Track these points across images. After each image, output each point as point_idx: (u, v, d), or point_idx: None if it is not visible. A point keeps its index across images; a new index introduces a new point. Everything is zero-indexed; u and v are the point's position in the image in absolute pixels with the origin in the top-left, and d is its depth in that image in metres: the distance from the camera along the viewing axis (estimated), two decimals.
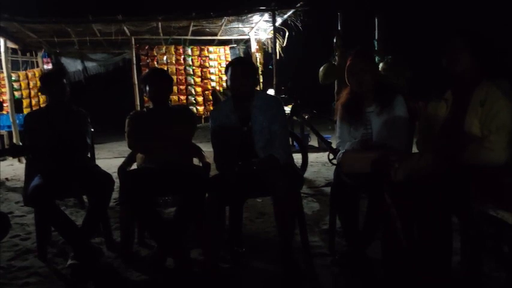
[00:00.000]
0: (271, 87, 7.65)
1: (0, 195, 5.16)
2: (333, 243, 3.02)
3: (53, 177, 2.97)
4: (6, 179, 6.30)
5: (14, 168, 7.20)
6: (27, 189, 2.95)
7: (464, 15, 13.47)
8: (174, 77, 9.24)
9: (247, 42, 9.87)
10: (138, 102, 8.63)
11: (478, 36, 2.29)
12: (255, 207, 4.14)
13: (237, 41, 9.97)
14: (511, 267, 2.50)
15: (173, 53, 9.47)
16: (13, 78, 8.63)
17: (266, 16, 7.89)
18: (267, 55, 9.20)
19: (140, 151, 3.21)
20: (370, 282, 2.55)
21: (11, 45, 8.41)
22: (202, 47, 9.70)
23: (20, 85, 9.11)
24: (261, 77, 8.77)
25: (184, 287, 2.62)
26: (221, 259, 2.84)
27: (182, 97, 9.60)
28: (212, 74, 9.79)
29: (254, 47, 9.31)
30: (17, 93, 8.93)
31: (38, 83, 3.30)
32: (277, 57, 7.83)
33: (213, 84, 9.79)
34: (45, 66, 9.19)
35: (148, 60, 9.38)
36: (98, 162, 3.73)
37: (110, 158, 7.90)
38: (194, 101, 9.66)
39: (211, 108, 9.35)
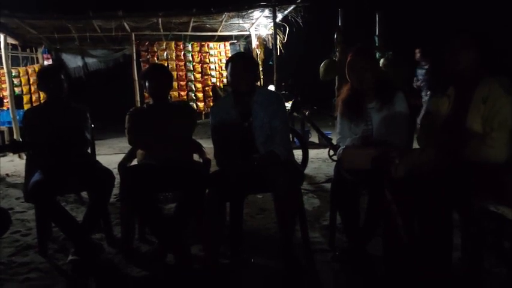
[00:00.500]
0: (272, 83, 7.64)
1: (0, 191, 5.17)
2: (334, 240, 3.03)
3: (54, 173, 2.97)
4: (7, 174, 6.30)
5: (14, 164, 7.20)
6: (28, 185, 2.95)
7: (464, 14, 13.45)
8: (175, 73, 9.23)
9: (247, 38, 9.85)
10: (138, 98, 8.61)
11: (480, 34, 2.29)
12: (256, 203, 4.14)
13: (237, 37, 9.94)
14: (511, 263, 2.50)
15: (173, 49, 9.46)
16: (13, 74, 8.61)
17: (266, 12, 7.87)
18: (268, 51, 9.19)
19: (140, 147, 3.21)
20: (371, 279, 2.55)
21: (11, 41, 8.40)
22: (203, 43, 9.68)
23: (20, 81, 9.09)
24: (261, 73, 8.76)
25: (185, 283, 2.63)
26: (221, 255, 2.84)
27: (182, 93, 9.59)
28: (212, 70, 9.78)
29: (254, 43, 9.29)
30: (17, 89, 8.91)
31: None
32: (278, 53, 7.81)
33: (214, 80, 9.79)
34: (46, 62, 9.16)
35: (148, 56, 9.37)
36: (99, 158, 3.74)
37: (110, 154, 7.90)
38: (194, 97, 9.66)
39: (212, 104, 9.35)
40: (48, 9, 7.79)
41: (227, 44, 9.91)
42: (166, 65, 8.81)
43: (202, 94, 9.73)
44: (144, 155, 3.16)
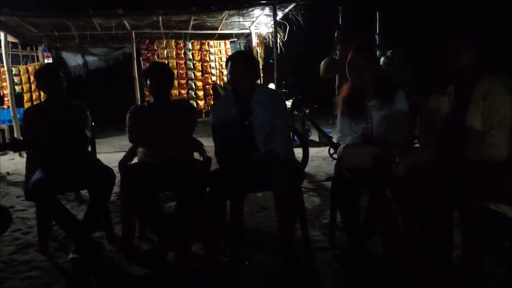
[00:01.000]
0: (272, 82, 7.63)
1: (1, 190, 5.17)
2: (334, 238, 3.03)
3: (54, 171, 2.98)
4: (7, 173, 6.31)
5: (15, 163, 7.21)
6: (28, 184, 2.95)
7: (465, 14, 13.43)
8: (175, 71, 9.22)
9: (248, 36, 9.84)
10: (138, 97, 8.63)
11: (480, 34, 2.29)
12: (256, 201, 4.15)
13: (237, 35, 9.94)
14: (511, 262, 2.50)
15: (174, 47, 9.46)
16: (14, 72, 8.62)
17: (267, 10, 7.86)
18: (268, 49, 9.18)
19: (141, 145, 3.21)
20: (371, 277, 2.55)
21: (11, 39, 8.40)
22: (203, 41, 9.68)
23: (21, 79, 9.09)
24: (261, 71, 8.75)
25: (185, 281, 2.63)
26: (222, 253, 2.85)
27: (183, 91, 9.60)
28: (213, 68, 9.78)
29: (255, 41, 9.28)
30: (17, 88, 8.92)
31: None
32: (278, 51, 7.81)
33: (214, 78, 9.79)
34: (46, 61, 9.16)
35: (148, 55, 9.37)
36: (99, 156, 3.73)
37: (110, 153, 7.91)
38: (195, 96, 9.66)
39: (212, 102, 9.35)
40: (49, 8, 7.79)
41: (227, 42, 9.91)
42: (166, 63, 8.80)
43: (202, 92, 9.74)
44: (145, 153, 3.16)
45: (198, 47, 9.67)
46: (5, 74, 8.17)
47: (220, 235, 2.81)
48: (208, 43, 9.71)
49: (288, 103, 5.99)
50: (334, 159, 5.67)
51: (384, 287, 2.45)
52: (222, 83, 9.67)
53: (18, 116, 7.79)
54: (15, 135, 7.80)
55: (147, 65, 4.07)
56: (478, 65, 2.27)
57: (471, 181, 2.06)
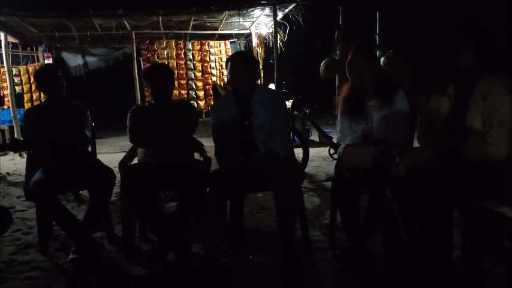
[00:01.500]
0: (272, 82, 7.64)
1: (1, 190, 5.17)
2: (334, 238, 3.03)
3: (54, 171, 2.98)
4: (8, 173, 6.32)
5: (15, 163, 7.21)
6: (29, 184, 2.95)
7: (465, 14, 13.43)
8: (175, 72, 9.22)
9: (248, 36, 9.85)
10: (138, 97, 8.63)
11: (480, 34, 2.29)
12: (256, 201, 4.15)
13: (237, 36, 9.95)
14: (511, 262, 2.50)
15: (174, 47, 9.46)
16: (14, 72, 8.63)
17: (267, 10, 7.87)
18: (268, 50, 9.18)
19: (141, 146, 3.21)
20: (371, 277, 2.55)
21: (11, 39, 8.41)
22: (203, 42, 9.68)
23: (21, 80, 9.10)
24: (262, 71, 8.75)
25: (185, 282, 2.63)
26: (222, 253, 2.85)
27: (183, 92, 9.60)
28: (213, 68, 9.78)
29: (255, 41, 9.29)
30: (17, 88, 8.92)
31: None
32: (278, 51, 7.81)
33: (214, 78, 9.79)
34: (46, 61, 9.17)
35: (148, 55, 9.36)
36: (99, 156, 3.73)
37: (111, 153, 7.91)
38: (195, 96, 9.66)
39: (212, 103, 9.35)
40: (49, 8, 7.80)
41: (227, 42, 9.91)
42: (166, 63, 8.80)
43: (202, 93, 9.74)
44: (145, 154, 3.16)
45: (198, 47, 9.67)
46: (5, 75, 8.17)
47: (220, 235, 2.81)
48: (208, 43, 9.71)
49: (288, 103, 5.99)
50: (334, 159, 5.67)
51: (384, 287, 2.45)
52: (222, 83, 9.67)
53: (18, 116, 7.80)
54: (16, 135, 7.81)
55: (147, 65, 4.07)
56: (478, 65, 2.27)
57: (471, 181, 2.06)
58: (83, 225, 2.95)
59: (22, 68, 9.18)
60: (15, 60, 9.17)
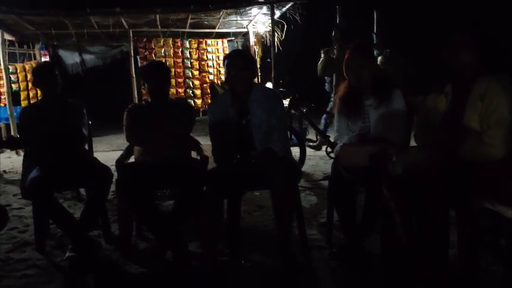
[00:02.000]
0: (270, 81, 7.63)
1: None
2: (331, 237, 3.03)
3: (51, 169, 2.97)
4: (4, 171, 6.29)
5: (12, 161, 7.18)
6: (25, 182, 2.95)
7: (465, 14, 13.45)
8: (172, 70, 9.18)
9: (245, 35, 9.84)
10: (135, 95, 8.61)
11: (480, 34, 2.29)
12: (253, 200, 4.15)
13: (235, 34, 9.93)
14: (508, 261, 2.51)
15: (171, 45, 9.42)
16: (10, 70, 8.58)
17: (264, 9, 7.86)
18: (266, 48, 9.17)
19: (138, 144, 3.20)
20: (368, 276, 2.55)
21: (8, 37, 8.36)
22: (201, 40, 9.65)
23: (18, 77, 9.04)
24: (259, 70, 8.75)
25: (183, 280, 2.63)
26: (219, 252, 2.85)
27: (180, 90, 9.56)
28: (210, 67, 9.75)
29: (252, 40, 9.28)
30: (14, 86, 8.87)
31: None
32: (276, 50, 7.81)
33: (211, 77, 9.76)
34: (43, 59, 9.12)
35: (146, 53, 9.32)
36: (96, 155, 3.72)
37: (108, 151, 7.88)
38: (192, 94, 9.64)
39: (210, 101, 9.33)
40: (46, 6, 7.77)
41: (225, 41, 9.88)
42: (163, 61, 8.78)
43: (200, 91, 9.70)
44: (142, 152, 3.16)
45: (196, 45, 9.64)
46: (1, 72, 8.12)
47: (217, 234, 2.81)
48: (205, 42, 9.68)
49: (286, 102, 5.99)
50: (331, 158, 5.68)
51: (381, 286, 2.46)
52: (219, 82, 9.65)
53: (15, 114, 7.76)
54: (12, 133, 7.78)
55: (144, 64, 4.06)
56: (477, 65, 2.27)
57: (468, 180, 2.06)
58: (79, 223, 2.94)
59: (19, 65, 9.13)
60: (11, 58, 9.12)
